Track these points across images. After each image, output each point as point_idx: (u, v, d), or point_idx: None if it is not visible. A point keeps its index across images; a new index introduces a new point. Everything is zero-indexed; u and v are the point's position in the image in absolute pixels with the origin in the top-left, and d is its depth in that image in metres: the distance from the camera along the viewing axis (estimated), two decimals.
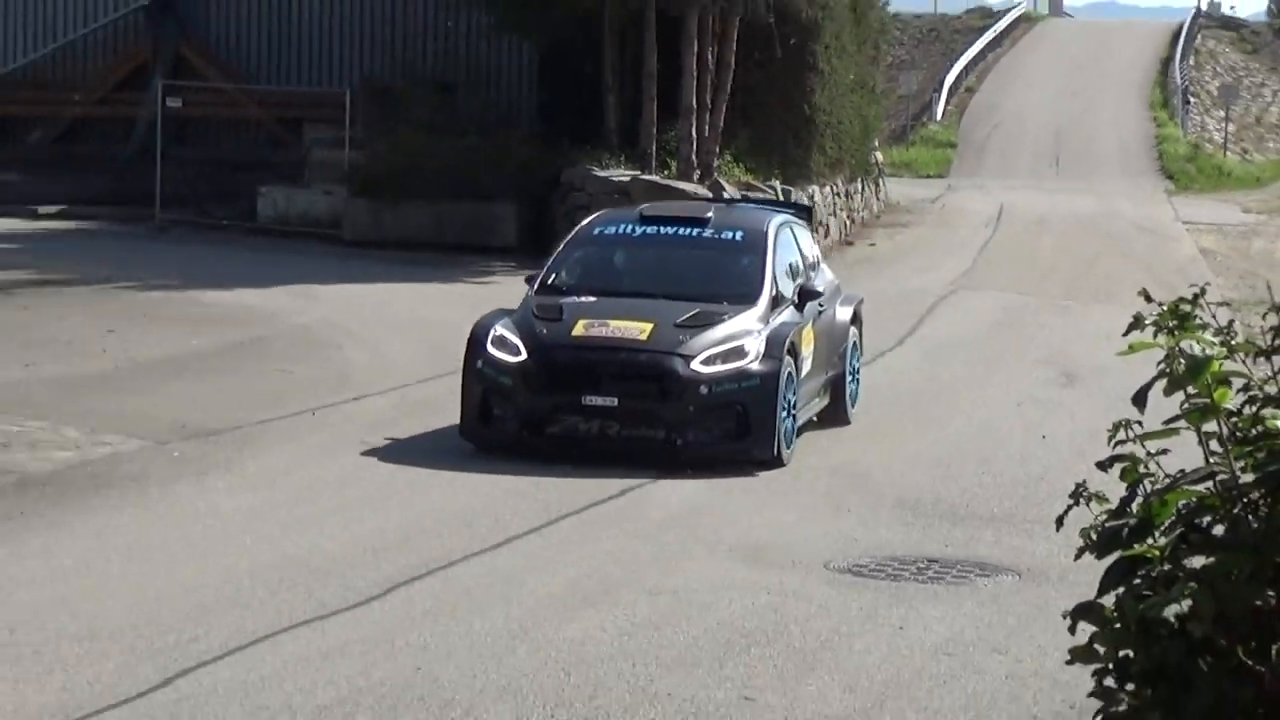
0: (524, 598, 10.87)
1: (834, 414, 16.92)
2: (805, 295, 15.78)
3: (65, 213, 30.78)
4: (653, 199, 27.28)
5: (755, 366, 14.60)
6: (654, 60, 29.30)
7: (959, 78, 58.29)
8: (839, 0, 33.93)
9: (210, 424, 15.29)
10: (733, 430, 14.81)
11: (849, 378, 17.19)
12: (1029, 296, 30.17)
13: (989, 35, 65.65)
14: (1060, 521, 4.93)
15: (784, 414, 14.90)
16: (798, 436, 15.92)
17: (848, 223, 36.99)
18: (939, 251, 35.64)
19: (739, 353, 14.61)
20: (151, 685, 9.03)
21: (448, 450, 15.19)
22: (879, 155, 40.14)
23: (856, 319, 17.78)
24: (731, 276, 15.90)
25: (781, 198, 30.75)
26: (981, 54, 62.51)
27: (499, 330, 14.83)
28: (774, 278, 15.67)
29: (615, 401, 14.52)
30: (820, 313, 16.40)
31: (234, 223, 31.22)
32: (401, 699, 8.60)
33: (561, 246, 17.50)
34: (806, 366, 15.70)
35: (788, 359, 14.82)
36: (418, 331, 24.04)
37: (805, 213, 19.58)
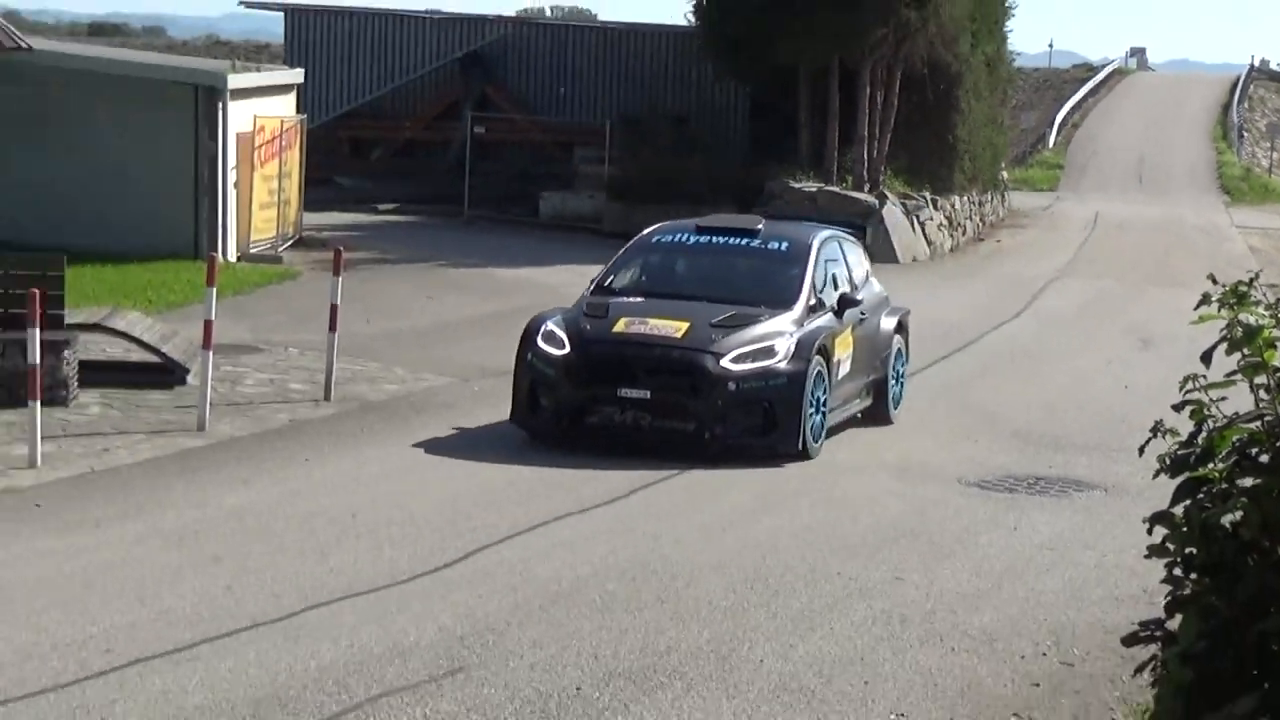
0: (723, 504, 10.96)
1: (876, 413, 14.35)
2: (845, 303, 13.33)
3: (398, 209, 30.43)
4: (833, 205, 27.87)
5: (783, 366, 12.41)
6: (836, 102, 28.16)
7: (1066, 116, 55.19)
8: (976, 56, 31.55)
9: (502, 366, 14.73)
10: (759, 425, 12.52)
11: (892, 381, 14.54)
12: (1115, 282, 28.78)
13: (1090, 85, 62.32)
14: (1141, 450, 5.01)
15: (812, 411, 12.74)
16: (837, 433, 13.65)
17: (980, 225, 34.67)
18: (1048, 248, 33.59)
19: (768, 352, 12.43)
20: (453, 559, 9.20)
21: None
22: (1004, 174, 37.88)
23: (902, 329, 15.02)
24: (773, 283, 13.50)
25: (903, 205, 28.46)
26: (1084, 99, 59.54)
27: (549, 326, 12.91)
28: (813, 286, 13.28)
29: (648, 394, 12.39)
30: (862, 320, 13.83)
31: (522, 219, 30.57)
32: (640, 572, 8.76)
33: (621, 252, 15.05)
34: (845, 368, 13.39)
35: (817, 360, 12.61)
36: None
37: (860, 232, 16.41)
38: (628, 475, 11.23)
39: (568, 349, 12.40)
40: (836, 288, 13.43)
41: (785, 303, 12.84)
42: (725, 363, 12.08)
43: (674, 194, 27.93)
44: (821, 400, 12.61)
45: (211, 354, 12.77)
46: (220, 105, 21.72)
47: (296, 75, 27.66)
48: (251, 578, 8.58)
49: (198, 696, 6.63)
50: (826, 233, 14.34)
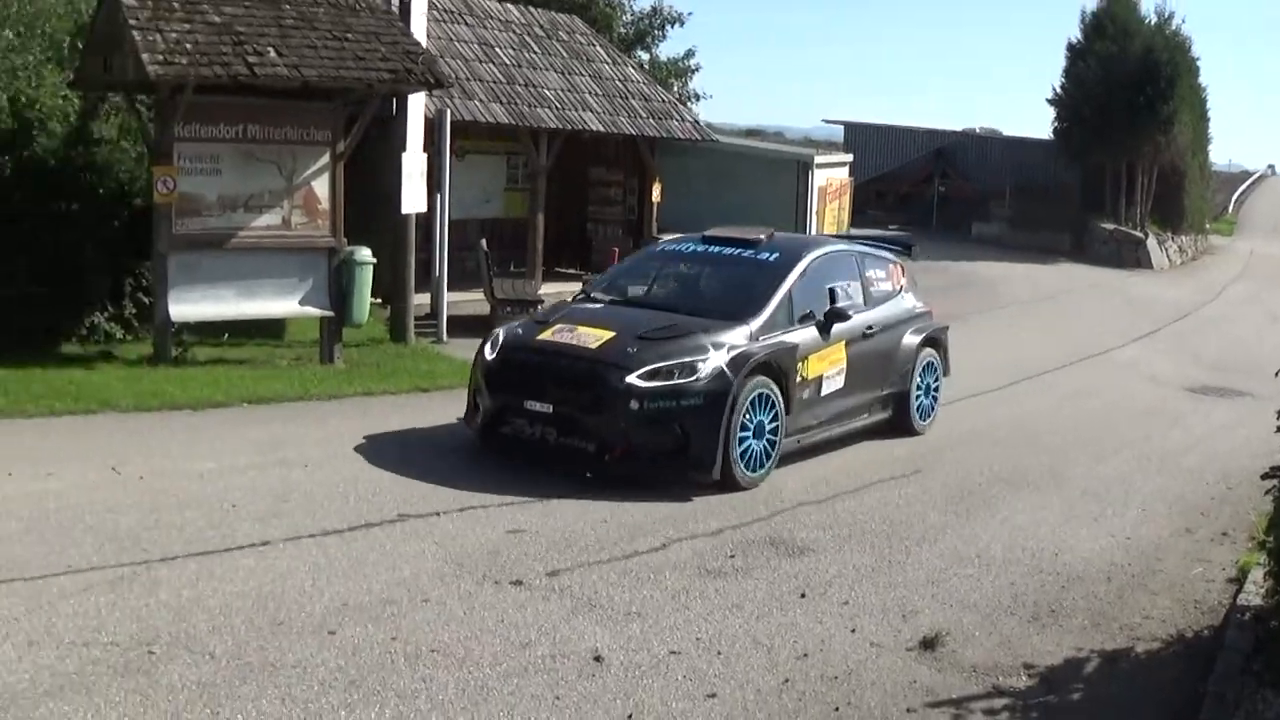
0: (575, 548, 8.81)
1: (900, 424, 13.03)
2: (832, 318, 11.56)
3: (899, 228, 37.02)
4: (1122, 238, 40.12)
5: (701, 384, 10.22)
6: (1124, 181, 40.45)
7: (1239, 196, 71.68)
8: (1194, 161, 43.62)
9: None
10: (671, 449, 10.24)
11: (918, 393, 13.20)
12: (1265, 284, 36.06)
13: (1249, 181, 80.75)
14: (1277, 373, 7.12)
15: (747, 435, 10.52)
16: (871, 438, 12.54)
17: (1193, 251, 44.47)
18: (1228, 265, 41.55)
19: (687, 369, 10.27)
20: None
21: None
22: (1207, 225, 50.15)
23: (934, 343, 13.62)
24: (743, 294, 11.51)
25: (1157, 238, 37.82)
26: (1245, 188, 76.49)
27: (497, 330, 11.52)
28: (787, 300, 11.36)
29: (551, 408, 10.35)
30: (868, 336, 12.23)
31: (962, 237, 41.25)
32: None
33: (628, 258, 14.25)
34: (834, 384, 11.66)
35: (757, 380, 10.56)
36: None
37: (904, 250, 14.32)
38: (461, 496, 9.51)
39: (494, 354, 10.96)
40: (834, 302, 11.74)
41: (746, 316, 11.04)
42: (632, 379, 10.08)
43: (1042, 225, 40.75)
44: (766, 424, 10.66)
45: None
46: (809, 172, 30.66)
47: (849, 157, 36.43)
48: None
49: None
50: (832, 248, 12.65)
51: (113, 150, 16.51)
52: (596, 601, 7.52)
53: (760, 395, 10.72)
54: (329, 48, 14.94)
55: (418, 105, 17.19)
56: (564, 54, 23.78)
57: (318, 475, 9.85)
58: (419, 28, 16.95)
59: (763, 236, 12.48)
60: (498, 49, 22.40)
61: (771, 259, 12.06)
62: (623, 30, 36.29)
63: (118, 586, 7.22)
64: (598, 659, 6.66)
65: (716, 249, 12.39)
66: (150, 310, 14.96)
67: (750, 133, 52.38)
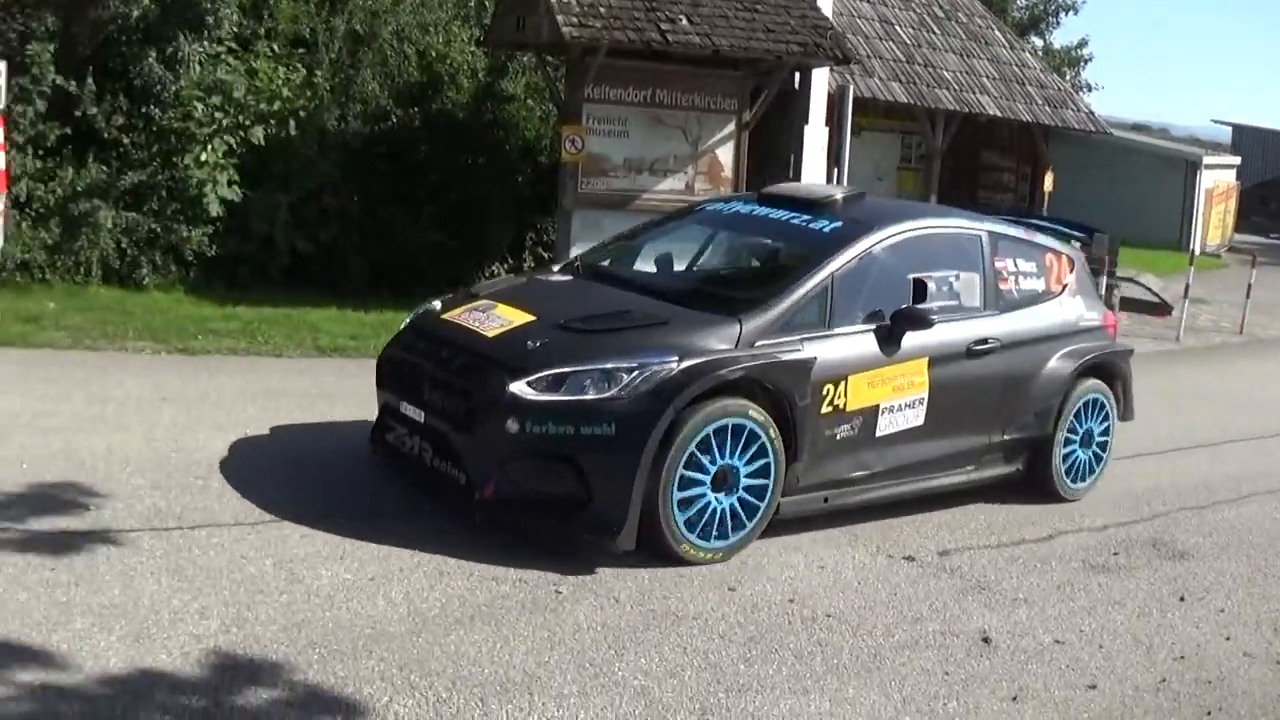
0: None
1: (1035, 484, 9.31)
2: (903, 322, 8.02)
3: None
4: None
5: (617, 406, 6.87)
6: None
7: None
8: None
9: None
10: (560, 495, 6.92)
11: (1069, 444, 9.38)
12: None
13: None
14: None
15: (693, 489, 7.12)
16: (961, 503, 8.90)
17: None
18: None
19: (604, 379, 6.96)
20: None
21: None
22: None
23: (1104, 374, 9.68)
24: (754, 278, 8.79)
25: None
26: None
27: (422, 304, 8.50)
28: (821, 290, 7.82)
29: (423, 417, 7.46)
30: (978, 352, 8.58)
31: None
32: None
33: (665, 217, 10.06)
34: (896, 421, 8.09)
35: (727, 406, 7.16)
36: None
37: (1085, 236, 11.00)
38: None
39: (395, 336, 8.28)
40: (918, 300, 8.05)
41: (743, 309, 7.65)
42: (517, 387, 6.93)
43: None
44: (743, 472, 7.31)
45: (1186, 301, 18.46)
46: (1198, 172, 31.88)
47: (1236, 160, 37.62)
48: None
49: None
50: (932, 222, 8.91)
51: (519, 108, 17.07)
52: (985, 584, 7.55)
53: (731, 429, 7.24)
54: (740, 18, 15.15)
55: (821, 80, 17.32)
56: (962, 35, 23.92)
57: None
58: (825, 2, 17.02)
59: (838, 197, 8.95)
60: (898, 27, 22.54)
61: (827, 230, 8.42)
62: (1017, 14, 36.04)
63: None
64: (986, 640, 6.68)
65: (764, 212, 9.05)
66: (548, 265, 15.36)
67: (1136, 127, 50.81)
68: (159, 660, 5.53)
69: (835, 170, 17.32)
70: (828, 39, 15.51)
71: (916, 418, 8.25)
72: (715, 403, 7.17)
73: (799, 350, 7.61)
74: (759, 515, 7.49)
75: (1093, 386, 9.53)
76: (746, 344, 7.43)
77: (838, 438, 7.84)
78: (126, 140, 14.88)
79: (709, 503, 7.24)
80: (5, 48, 14.02)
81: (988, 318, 8.86)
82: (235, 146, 15.11)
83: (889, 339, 8.05)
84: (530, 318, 7.63)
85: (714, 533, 7.28)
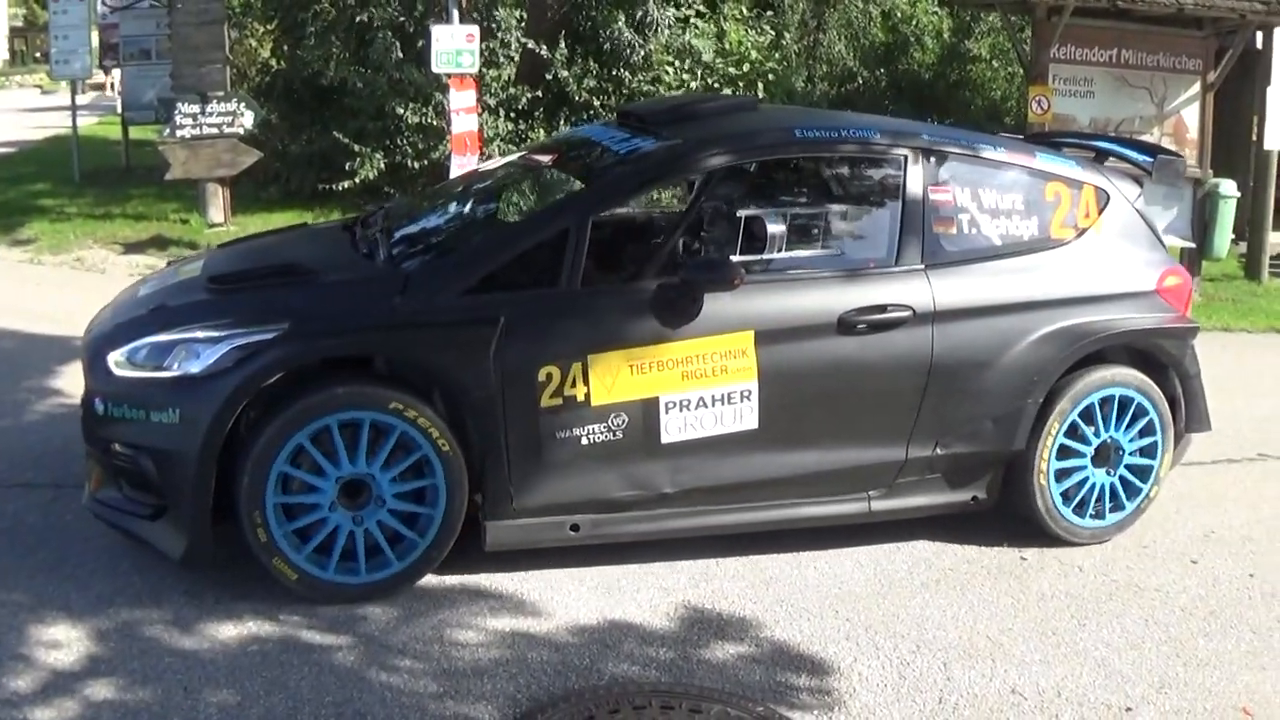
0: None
1: (1023, 516, 6.74)
2: (692, 278, 5.83)
3: None
4: None
5: (180, 391, 5.43)
6: None
7: None
8: None
9: None
10: (143, 503, 5.57)
11: (1056, 463, 6.64)
12: None
13: None
14: None
15: (307, 513, 5.52)
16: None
17: None
18: None
19: (179, 354, 5.51)
20: None
21: None
22: None
23: (1146, 362, 6.82)
24: (493, 222, 7.00)
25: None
26: None
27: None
28: (544, 234, 5.89)
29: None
30: (869, 326, 6.07)
31: None
32: None
33: None
34: (704, 424, 5.90)
35: (324, 401, 5.41)
36: None
37: (1146, 161, 7.20)
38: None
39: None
40: (759, 246, 6.07)
41: (425, 261, 6.19)
42: (113, 358, 5.65)
43: None
44: (386, 491, 5.60)
45: None
46: None
47: None
48: None
49: None
50: (817, 137, 6.38)
51: (984, 68, 17.08)
52: None
53: (367, 426, 5.51)
54: None
55: None
56: None
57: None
58: None
59: (702, 108, 6.85)
60: None
61: (623, 153, 6.34)
62: None
63: None
64: None
65: (606, 136, 6.75)
66: None
67: None
68: (628, 612, 5.81)
69: None
70: None
71: (741, 418, 5.97)
72: (330, 391, 5.47)
73: (482, 315, 5.60)
74: (424, 546, 5.71)
75: (1112, 379, 6.67)
76: (406, 309, 5.58)
77: (582, 442, 5.75)
78: (597, 103, 15.55)
79: (337, 528, 5.61)
80: (476, 14, 14.94)
81: (898, 275, 6.26)
82: None
83: (672, 303, 5.82)
84: (195, 273, 6.31)
85: (365, 566, 5.67)
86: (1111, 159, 7.30)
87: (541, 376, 5.61)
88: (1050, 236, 6.65)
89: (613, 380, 5.70)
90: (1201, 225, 14.92)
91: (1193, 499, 7.82)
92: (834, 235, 6.33)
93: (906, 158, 6.37)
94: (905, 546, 6.71)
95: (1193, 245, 15.05)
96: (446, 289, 5.64)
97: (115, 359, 5.61)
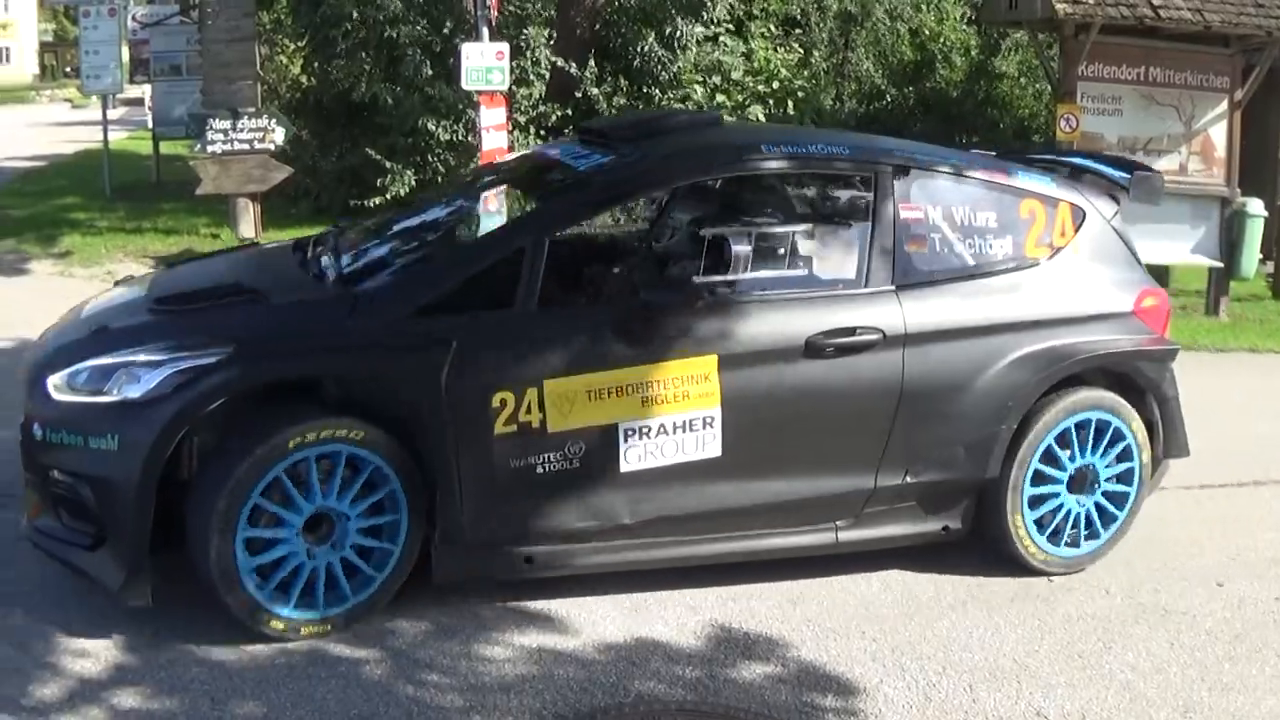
0: None
1: (993, 546, 6.55)
2: (652, 301, 5.83)
3: None
4: None
5: (119, 416, 5.17)
6: None
7: None
8: None
9: None
10: (83, 532, 5.27)
11: (1030, 489, 6.41)
12: None
13: None
14: None
15: (268, 547, 5.26)
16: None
17: None
18: None
19: (124, 378, 5.25)
20: None
21: None
22: None
23: (1124, 385, 6.62)
24: (445, 242, 6.67)
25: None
26: None
27: None
28: (495, 254, 5.63)
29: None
30: (837, 349, 5.85)
31: None
32: None
33: None
34: (664, 452, 5.67)
35: (292, 435, 5.15)
36: None
37: (1124, 175, 6.79)
38: None
39: None
40: (722, 267, 5.86)
41: (376, 281, 5.76)
42: (52, 382, 5.44)
43: None
44: (352, 523, 5.40)
45: None
46: None
47: None
48: None
49: None
50: (784, 153, 6.21)
51: (1012, 86, 17.09)
52: None
53: (319, 461, 5.30)
54: None
55: None
56: None
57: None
58: None
59: (663, 125, 6.61)
60: None
61: (581, 169, 6.16)
62: None
63: None
64: None
65: (566, 153, 6.54)
66: None
67: None
68: (655, 630, 5.79)
69: None
70: None
71: (703, 446, 5.73)
72: (294, 433, 5.21)
73: (434, 338, 5.38)
74: (374, 586, 5.54)
75: (1087, 402, 6.44)
76: (355, 331, 5.39)
77: (537, 471, 5.51)
78: None
79: (300, 563, 5.40)
80: (505, 32, 15.04)
81: (867, 296, 6.02)
82: None
83: (632, 326, 5.66)
84: (141, 294, 6.15)
85: (324, 600, 5.46)
86: (1088, 175, 6.94)
87: (495, 402, 5.37)
88: (1025, 255, 6.42)
89: (570, 406, 5.47)
90: (1229, 245, 14.89)
91: (1220, 522, 7.80)
92: (801, 255, 6.06)
93: (877, 174, 6.12)
94: (933, 567, 6.69)
95: (1220, 265, 15.01)
96: (397, 310, 5.42)
97: (54, 382, 5.40)
